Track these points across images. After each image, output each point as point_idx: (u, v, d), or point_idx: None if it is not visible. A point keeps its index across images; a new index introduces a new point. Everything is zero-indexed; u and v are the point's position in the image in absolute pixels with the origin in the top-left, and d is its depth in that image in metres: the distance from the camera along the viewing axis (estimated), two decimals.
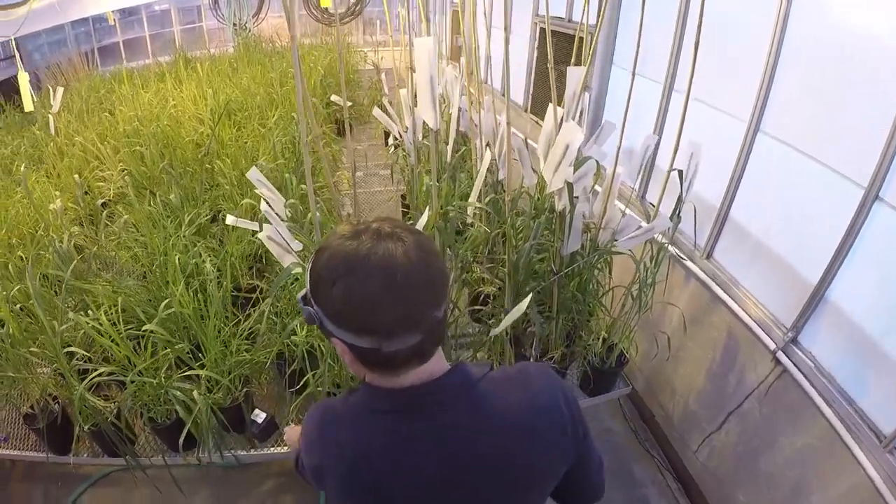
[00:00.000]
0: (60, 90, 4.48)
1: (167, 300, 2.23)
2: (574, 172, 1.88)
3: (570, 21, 3.58)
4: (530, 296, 1.59)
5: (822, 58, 1.80)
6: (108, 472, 2.61)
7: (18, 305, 2.36)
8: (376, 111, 3.05)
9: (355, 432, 0.75)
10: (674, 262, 2.53)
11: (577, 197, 2.00)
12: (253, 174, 1.93)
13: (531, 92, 4.30)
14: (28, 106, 3.93)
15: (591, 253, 2.18)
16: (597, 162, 1.97)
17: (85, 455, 2.37)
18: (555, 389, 0.78)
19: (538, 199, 2.36)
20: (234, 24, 6.87)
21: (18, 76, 3.82)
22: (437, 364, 0.74)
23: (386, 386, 0.73)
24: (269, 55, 6.29)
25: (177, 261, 2.37)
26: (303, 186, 2.55)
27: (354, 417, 0.76)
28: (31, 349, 2.23)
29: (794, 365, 1.86)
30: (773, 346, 1.96)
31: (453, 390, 0.73)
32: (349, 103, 3.47)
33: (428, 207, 1.94)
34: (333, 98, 4.29)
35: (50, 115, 4.57)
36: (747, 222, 2.23)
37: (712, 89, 2.35)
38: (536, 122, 4.12)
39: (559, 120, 1.89)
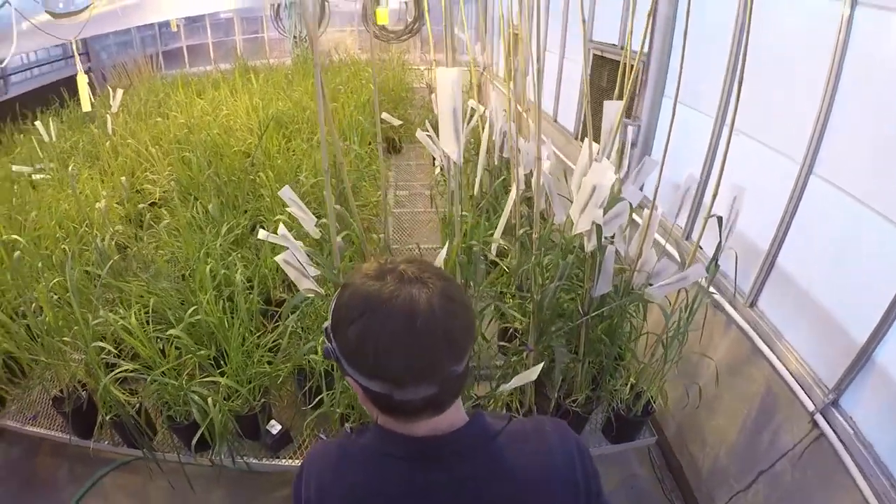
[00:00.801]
0: (120, 92, 4.94)
1: (194, 307, 2.43)
2: (605, 213, 1.93)
3: (622, 48, 3.65)
4: (541, 364, 1.66)
5: (884, 100, 1.77)
6: (128, 460, 2.81)
7: (57, 296, 2.65)
8: (419, 133, 3.20)
9: (367, 474, 0.75)
10: (715, 306, 2.52)
11: (611, 238, 2.05)
12: (286, 192, 2.06)
13: (582, 119, 4.37)
14: (85, 106, 4.34)
15: (622, 297, 2.20)
16: (630, 204, 2.01)
17: (105, 442, 2.62)
18: (570, 447, 0.80)
19: (568, 236, 2.43)
20: (294, 37, 7.32)
21: (78, 78, 4.23)
22: (456, 414, 0.75)
23: (400, 431, 0.74)
24: (324, 69, 6.64)
25: (207, 269, 2.56)
26: (337, 207, 2.75)
27: (367, 459, 0.77)
28: (65, 338, 2.51)
29: (833, 429, 1.81)
30: (811, 406, 1.92)
31: (472, 442, 0.75)
32: (398, 122, 3.67)
33: (448, 241, 2.04)
34: (384, 116, 4.50)
35: (108, 115, 5.04)
36: (795, 270, 2.20)
37: (764, 126, 2.34)
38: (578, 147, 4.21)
39: (594, 156, 1.96)
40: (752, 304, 2.47)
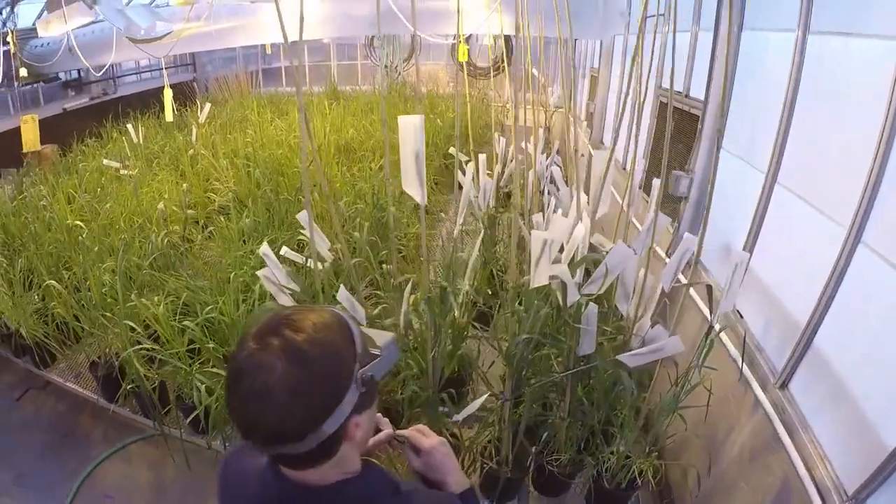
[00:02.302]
0: (208, 105, 5.82)
1: (210, 307, 2.94)
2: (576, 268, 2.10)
3: (687, 96, 3.79)
4: (486, 396, 1.87)
5: None
6: (154, 433, 3.30)
7: (107, 277, 3.39)
8: (459, 174, 3.56)
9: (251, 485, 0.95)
10: (743, 382, 2.52)
11: (593, 295, 2.16)
12: (302, 216, 2.43)
13: (645, 168, 4.49)
14: (168, 116, 5.22)
15: (606, 359, 2.31)
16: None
17: (126, 409, 3.41)
18: None
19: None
20: (385, 66, 8.12)
21: (164, 91, 5.11)
22: (330, 472, 0.87)
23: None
24: (406, 99, 7.31)
25: (231, 276, 3.08)
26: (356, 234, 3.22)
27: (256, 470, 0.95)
28: (105, 314, 3.21)
29: None
30: None
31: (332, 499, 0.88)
32: (465, 158, 4.04)
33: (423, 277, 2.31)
34: (452, 150, 4.93)
35: (194, 126, 5.95)
36: (833, 352, 2.09)
37: (812, 185, 2.30)
38: (645, 200, 4.27)
39: (584, 207, 2.18)
40: (784, 385, 2.40)
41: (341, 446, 0.84)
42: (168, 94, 5.12)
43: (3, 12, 6.19)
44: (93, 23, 5.13)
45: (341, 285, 2.18)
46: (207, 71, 10.71)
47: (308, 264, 2.59)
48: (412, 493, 0.96)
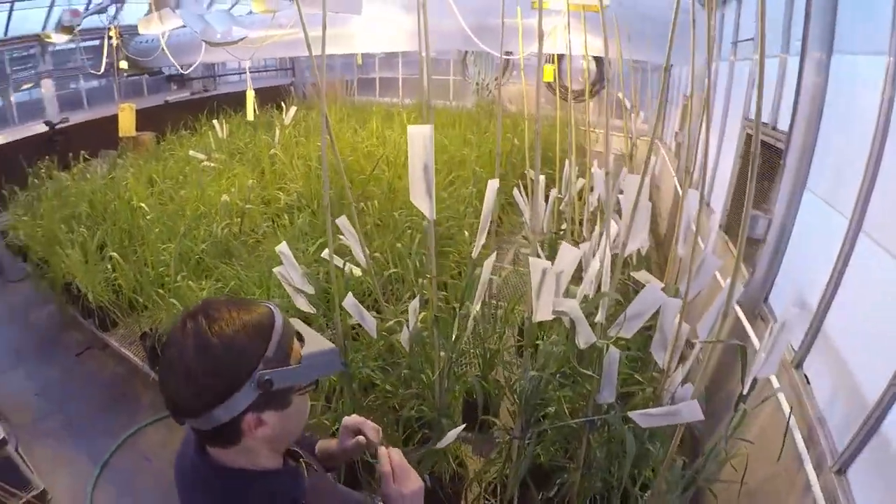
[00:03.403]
0: (293, 109, 6.27)
1: (252, 297, 3.16)
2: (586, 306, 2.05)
3: (774, 128, 3.60)
4: (461, 428, 1.87)
5: None
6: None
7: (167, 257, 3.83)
8: (515, 192, 3.62)
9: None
10: (795, 460, 2.35)
11: (613, 337, 2.08)
12: (341, 221, 2.55)
13: (728, 207, 4.26)
14: (249, 116, 5.74)
15: (622, 410, 2.21)
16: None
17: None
18: None
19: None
20: (477, 83, 8.36)
21: (247, 93, 5.60)
22: (224, 455, 0.98)
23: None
24: (492, 117, 7.46)
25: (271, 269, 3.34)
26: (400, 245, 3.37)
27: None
28: (158, 290, 3.67)
29: None
30: None
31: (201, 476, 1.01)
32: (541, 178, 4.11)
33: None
34: (527, 171, 5.02)
35: (278, 127, 6.44)
36: None
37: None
38: (726, 243, 4.06)
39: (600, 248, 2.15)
40: (841, 471, 2.28)
41: (244, 438, 0.93)
42: (250, 95, 5.62)
43: (111, 10, 6.98)
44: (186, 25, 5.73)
45: (349, 293, 2.26)
46: (306, 76, 11.50)
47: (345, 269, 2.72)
48: None
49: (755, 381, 2.00)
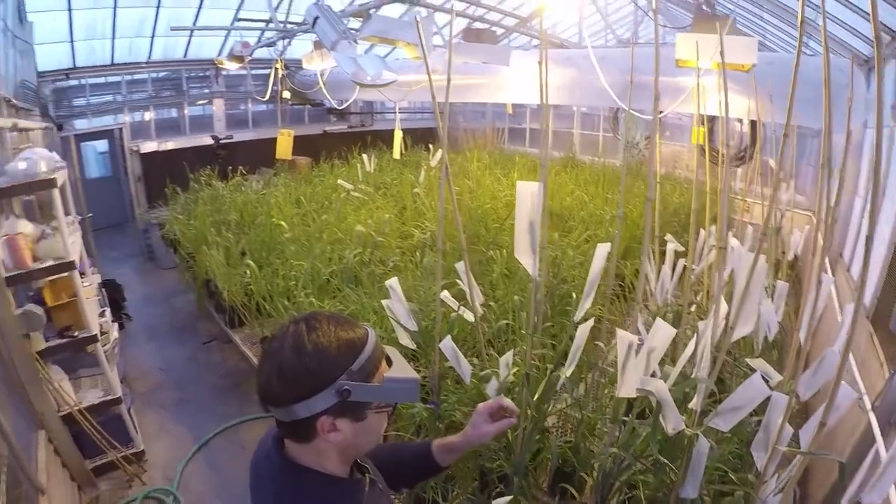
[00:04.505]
0: (440, 151, 6.74)
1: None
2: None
3: None
4: (506, 499, 1.92)
5: None
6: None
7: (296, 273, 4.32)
8: (643, 258, 3.68)
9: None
10: None
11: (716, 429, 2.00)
12: (459, 266, 2.74)
13: (878, 294, 3.83)
14: (396, 154, 6.35)
15: None
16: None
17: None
18: None
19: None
20: (627, 142, 8.44)
21: (395, 132, 6.19)
22: (295, 449, 1.14)
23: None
24: (637, 177, 7.49)
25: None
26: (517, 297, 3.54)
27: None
28: (284, 301, 4.16)
29: None
30: None
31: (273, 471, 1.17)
32: (681, 248, 4.15)
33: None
34: (667, 237, 5.04)
35: (424, 167, 7.02)
36: None
37: None
38: (871, 336, 3.70)
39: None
40: None
41: (317, 438, 1.09)
42: (398, 135, 6.24)
43: (279, 44, 8.29)
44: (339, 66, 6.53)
45: (448, 336, 2.44)
46: (458, 121, 12.20)
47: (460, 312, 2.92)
48: None
49: None
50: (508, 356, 2.34)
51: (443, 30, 9.53)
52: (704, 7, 4.28)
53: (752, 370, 2.43)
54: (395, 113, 7.75)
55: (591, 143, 10.08)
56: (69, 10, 7.69)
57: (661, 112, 3.69)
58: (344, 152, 9.03)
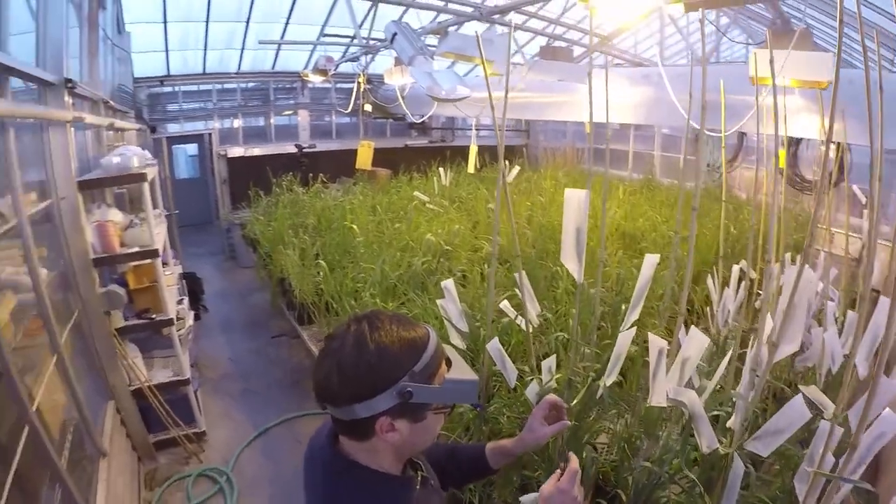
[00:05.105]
0: (516, 168, 6.85)
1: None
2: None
3: None
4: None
5: None
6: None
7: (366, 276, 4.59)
8: (708, 280, 3.62)
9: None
10: None
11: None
12: (522, 277, 2.70)
13: None
14: (470, 169, 6.48)
15: None
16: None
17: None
18: None
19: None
20: (708, 164, 8.22)
21: (471, 147, 6.33)
22: (349, 445, 1.15)
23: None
24: (715, 200, 7.28)
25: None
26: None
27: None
28: (351, 301, 4.37)
29: None
30: None
31: (326, 464, 1.18)
32: (754, 276, 4.04)
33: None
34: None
35: (499, 181, 7.11)
36: None
37: None
38: None
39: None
40: None
41: (374, 437, 1.09)
42: (473, 150, 6.37)
43: (363, 59, 8.84)
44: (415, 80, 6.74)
45: (495, 338, 2.47)
46: (539, 140, 12.29)
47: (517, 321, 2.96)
48: None
49: None
50: (551, 360, 2.34)
51: (524, 48, 9.68)
52: (778, 21, 4.16)
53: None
54: (477, 129, 7.94)
55: (671, 165, 9.88)
56: (164, 22, 8.51)
57: (722, 131, 3.62)
58: (423, 166, 9.29)
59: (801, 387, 2.47)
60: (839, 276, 3.85)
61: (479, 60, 4.97)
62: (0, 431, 2.08)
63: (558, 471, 1.31)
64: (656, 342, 1.94)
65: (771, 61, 2.30)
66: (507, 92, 2.39)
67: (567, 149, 11.54)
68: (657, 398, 1.97)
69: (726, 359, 2.10)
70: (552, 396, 1.52)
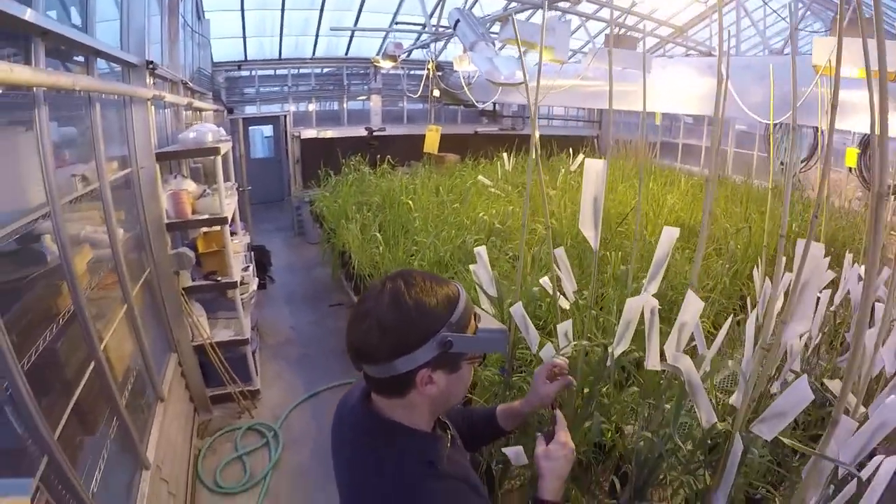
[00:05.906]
0: (581, 157, 6.84)
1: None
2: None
3: None
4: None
5: None
6: None
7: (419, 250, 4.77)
8: (755, 270, 3.57)
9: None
10: None
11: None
12: (559, 252, 2.68)
13: None
14: (532, 155, 6.54)
15: None
16: None
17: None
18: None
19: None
20: (782, 163, 7.89)
21: (531, 134, 6.36)
22: (381, 402, 1.17)
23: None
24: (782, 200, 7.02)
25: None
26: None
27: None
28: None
29: None
30: None
31: (358, 425, 1.22)
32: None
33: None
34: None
35: (561, 170, 7.17)
36: None
37: None
38: None
39: None
40: None
41: (412, 392, 1.11)
42: (535, 136, 6.41)
43: (433, 46, 9.13)
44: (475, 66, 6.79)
45: (519, 303, 2.45)
46: (611, 131, 12.15)
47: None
48: (441, 479, 1.14)
49: None
50: (567, 325, 2.33)
51: (595, 39, 9.58)
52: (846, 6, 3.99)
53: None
54: (550, 118, 7.96)
55: (744, 161, 9.57)
56: (242, 10, 9.04)
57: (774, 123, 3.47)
58: (491, 152, 9.38)
59: (826, 381, 2.45)
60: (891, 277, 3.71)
61: (539, 47, 5.05)
62: (69, 365, 2.33)
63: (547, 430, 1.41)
64: (647, 302, 1.93)
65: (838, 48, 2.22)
66: (538, 82, 2.48)
67: (638, 142, 11.36)
68: (652, 361, 1.93)
69: (726, 325, 2.05)
70: (554, 358, 1.59)
